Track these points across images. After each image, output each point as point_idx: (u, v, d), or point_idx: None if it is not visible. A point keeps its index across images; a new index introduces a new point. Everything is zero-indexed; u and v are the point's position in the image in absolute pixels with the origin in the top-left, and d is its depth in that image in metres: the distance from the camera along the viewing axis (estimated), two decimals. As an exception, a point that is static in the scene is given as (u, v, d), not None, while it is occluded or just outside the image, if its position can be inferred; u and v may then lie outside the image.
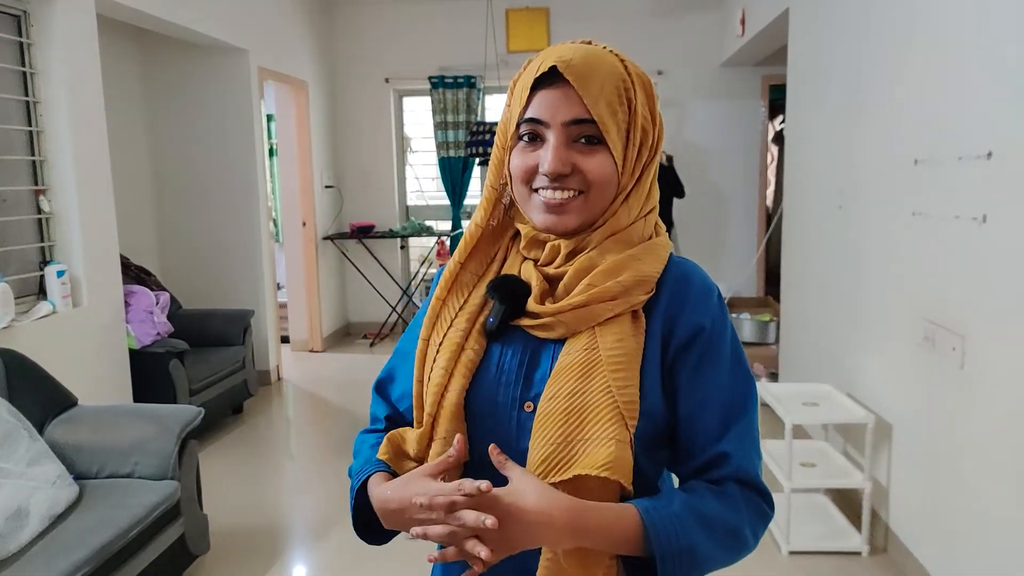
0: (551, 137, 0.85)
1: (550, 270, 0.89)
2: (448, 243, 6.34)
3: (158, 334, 3.78)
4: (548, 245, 0.90)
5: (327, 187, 6.16)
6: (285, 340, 5.88)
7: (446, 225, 6.54)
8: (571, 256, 0.89)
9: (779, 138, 7.03)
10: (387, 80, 6.34)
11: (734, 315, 5.07)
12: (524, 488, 0.77)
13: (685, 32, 6.07)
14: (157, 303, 3.86)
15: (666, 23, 6.08)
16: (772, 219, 4.69)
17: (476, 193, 6.60)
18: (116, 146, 3.56)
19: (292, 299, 5.96)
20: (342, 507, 3.21)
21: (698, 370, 0.86)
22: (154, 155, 4.88)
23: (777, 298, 5.71)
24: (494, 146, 0.93)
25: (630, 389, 0.81)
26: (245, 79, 4.80)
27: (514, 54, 6.17)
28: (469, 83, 6.21)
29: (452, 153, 6.34)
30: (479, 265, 0.95)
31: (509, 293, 0.89)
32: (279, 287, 6.56)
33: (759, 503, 0.86)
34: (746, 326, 4.97)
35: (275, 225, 6.84)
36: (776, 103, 6.48)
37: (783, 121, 7.06)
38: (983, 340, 2.08)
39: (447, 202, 6.49)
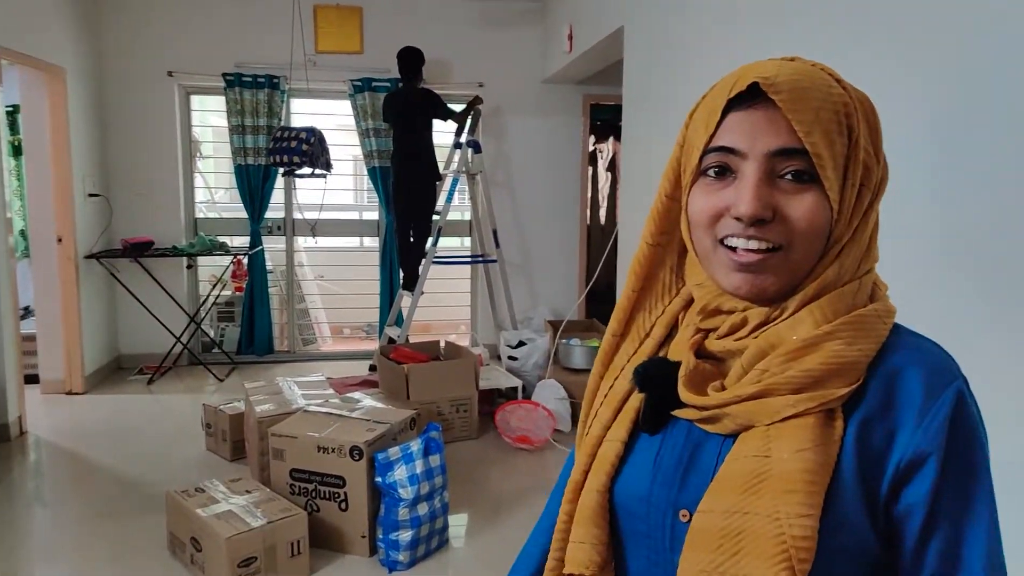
0: (749, 171, 0.67)
1: (726, 343, 0.72)
2: (246, 262, 5.55)
3: None
4: (730, 317, 0.72)
5: (91, 195, 5.14)
6: (32, 380, 4.79)
7: (244, 241, 5.73)
8: (759, 327, 0.70)
9: (593, 158, 7.00)
10: (171, 74, 5.44)
11: (564, 341, 4.80)
12: None
13: (508, 45, 5.80)
14: None
15: (489, 34, 5.77)
16: (608, 240, 4.49)
17: (278, 205, 5.85)
18: None
19: (43, 329, 4.88)
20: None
21: (932, 516, 0.65)
22: None
23: (602, 320, 5.59)
24: (658, 195, 0.76)
25: (805, 521, 0.62)
26: (-25, 56, 3.81)
27: (323, 55, 5.56)
28: (271, 83, 5.50)
29: (251, 160, 5.58)
30: (632, 343, 0.81)
31: (652, 380, 0.74)
32: (25, 314, 5.41)
33: None
34: (576, 353, 4.72)
35: (24, 238, 5.65)
36: (594, 123, 6.44)
37: (596, 142, 7.11)
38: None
39: (245, 215, 5.69)
